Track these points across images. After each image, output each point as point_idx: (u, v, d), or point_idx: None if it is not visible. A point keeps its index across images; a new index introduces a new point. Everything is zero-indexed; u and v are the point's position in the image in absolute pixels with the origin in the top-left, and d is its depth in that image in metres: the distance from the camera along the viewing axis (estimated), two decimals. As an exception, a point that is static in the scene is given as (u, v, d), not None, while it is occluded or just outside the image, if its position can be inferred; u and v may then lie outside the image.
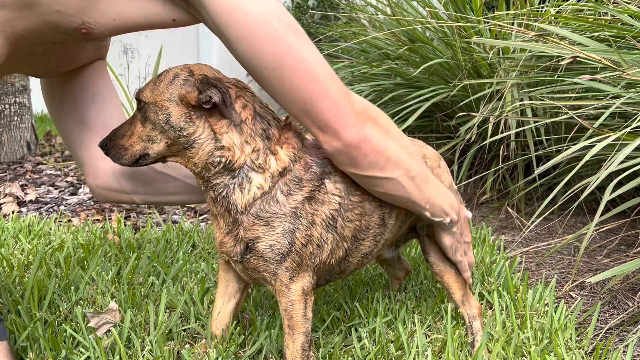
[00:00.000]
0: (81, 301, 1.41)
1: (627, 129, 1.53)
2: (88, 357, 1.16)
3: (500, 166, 1.87)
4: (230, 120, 0.99)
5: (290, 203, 1.01)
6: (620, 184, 1.59)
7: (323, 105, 0.96)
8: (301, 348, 1.06)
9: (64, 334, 1.22)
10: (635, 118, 1.53)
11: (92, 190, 1.38)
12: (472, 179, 2.35)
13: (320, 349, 1.21)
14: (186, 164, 1.03)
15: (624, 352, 1.32)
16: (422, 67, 2.49)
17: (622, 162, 1.54)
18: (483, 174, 2.14)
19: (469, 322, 1.30)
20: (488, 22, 2.50)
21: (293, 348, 1.06)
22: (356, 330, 1.30)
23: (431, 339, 1.29)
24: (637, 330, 1.40)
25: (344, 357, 1.17)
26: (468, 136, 2.25)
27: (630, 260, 1.55)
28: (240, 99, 1.02)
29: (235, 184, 1.01)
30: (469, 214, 1.29)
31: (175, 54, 5.24)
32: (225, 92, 0.97)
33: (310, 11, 4.68)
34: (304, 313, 1.05)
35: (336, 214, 1.06)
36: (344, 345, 1.27)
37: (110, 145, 1.06)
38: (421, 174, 1.09)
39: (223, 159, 1.00)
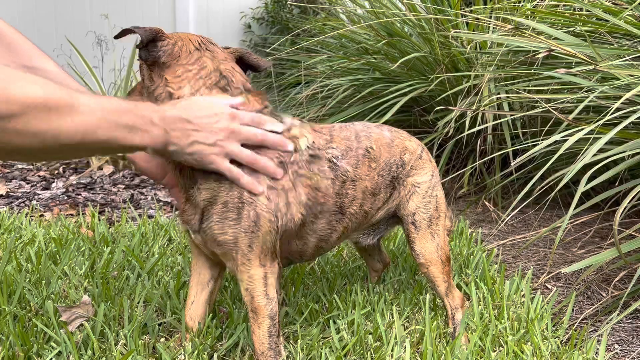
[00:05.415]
0: (52, 295, 1.37)
1: (601, 122, 1.55)
2: (60, 352, 1.13)
3: (477, 162, 1.89)
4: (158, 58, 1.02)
5: None
6: (594, 177, 1.61)
7: None
8: (268, 333, 1.03)
9: (35, 329, 1.19)
10: (609, 111, 1.56)
11: None
12: (450, 176, 2.36)
13: (299, 340, 1.20)
14: None
15: (598, 341, 1.34)
16: (400, 61, 2.49)
17: (595, 155, 1.56)
18: (461, 171, 2.16)
19: (452, 313, 1.30)
20: (466, 16, 2.52)
21: (259, 333, 1.03)
22: (334, 322, 1.29)
23: (409, 330, 1.29)
24: (610, 320, 1.42)
25: (322, 349, 1.16)
26: (446, 130, 2.26)
27: (603, 251, 1.57)
28: (201, 51, 1.04)
29: None
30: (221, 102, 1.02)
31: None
32: (146, 32, 0.99)
33: (289, 4, 4.66)
34: (264, 291, 1.03)
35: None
36: (322, 337, 1.26)
37: None
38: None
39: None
